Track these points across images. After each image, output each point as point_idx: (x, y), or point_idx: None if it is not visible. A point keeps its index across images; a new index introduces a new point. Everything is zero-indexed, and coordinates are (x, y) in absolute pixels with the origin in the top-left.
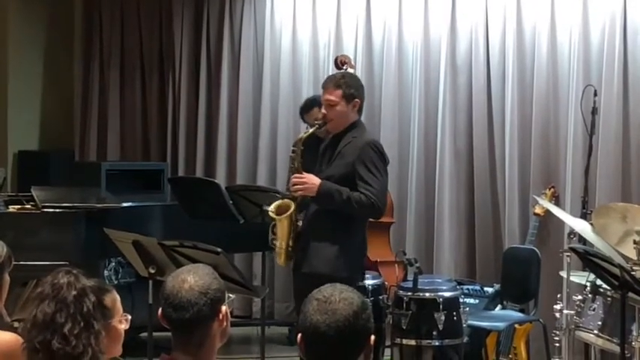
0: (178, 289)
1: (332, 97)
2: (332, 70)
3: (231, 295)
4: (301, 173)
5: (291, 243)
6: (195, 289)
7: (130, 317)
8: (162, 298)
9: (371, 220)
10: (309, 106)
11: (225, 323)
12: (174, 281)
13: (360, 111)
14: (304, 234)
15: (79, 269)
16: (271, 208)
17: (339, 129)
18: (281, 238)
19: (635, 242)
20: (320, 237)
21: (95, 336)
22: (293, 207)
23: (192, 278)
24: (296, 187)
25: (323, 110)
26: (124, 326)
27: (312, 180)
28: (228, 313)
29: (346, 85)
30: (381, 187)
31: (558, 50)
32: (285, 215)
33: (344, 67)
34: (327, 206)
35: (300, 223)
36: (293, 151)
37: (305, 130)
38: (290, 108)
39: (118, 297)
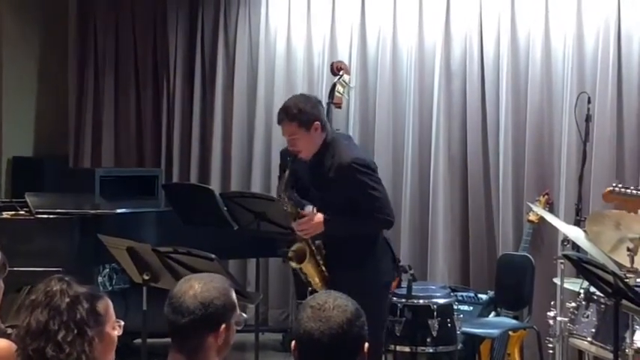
0: (183, 292)
1: (290, 131)
2: (327, 76)
3: (244, 314)
4: (301, 217)
5: (323, 269)
6: (198, 298)
7: (122, 323)
8: (168, 296)
9: None
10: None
11: (222, 340)
12: (184, 284)
13: (324, 128)
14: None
15: (71, 276)
16: (292, 262)
17: (311, 154)
18: (313, 277)
19: (628, 249)
20: (340, 259)
21: (89, 343)
22: (308, 251)
23: (199, 287)
24: (303, 232)
25: (289, 147)
26: (117, 332)
27: (316, 219)
28: (233, 332)
29: (299, 112)
30: (381, 199)
31: (552, 57)
32: (306, 261)
33: (340, 73)
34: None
35: (322, 248)
36: (279, 197)
37: (281, 178)
38: None
39: (110, 303)
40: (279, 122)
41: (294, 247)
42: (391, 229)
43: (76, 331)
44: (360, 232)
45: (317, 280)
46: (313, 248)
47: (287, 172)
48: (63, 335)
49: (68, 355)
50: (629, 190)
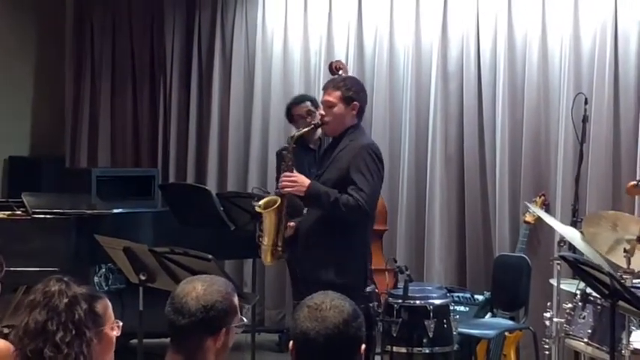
0: (185, 293)
1: (330, 98)
2: (324, 76)
3: (245, 319)
4: (292, 172)
5: (279, 242)
6: (199, 300)
7: (121, 324)
8: (170, 296)
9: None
10: (299, 99)
11: (221, 343)
12: (187, 285)
13: (360, 115)
14: (304, 241)
15: (70, 277)
16: (260, 203)
17: (336, 132)
18: (267, 234)
19: (625, 250)
20: (321, 245)
21: (87, 344)
22: (279, 201)
23: (202, 289)
24: (285, 184)
25: (321, 111)
26: (115, 333)
27: (302, 180)
28: (232, 335)
29: (346, 87)
30: (372, 191)
31: (549, 58)
32: (271, 209)
33: (339, 73)
34: (316, 207)
35: (289, 229)
36: (285, 149)
37: (298, 130)
38: (281, 115)
39: (109, 304)
40: (324, 88)
41: (270, 196)
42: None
43: (74, 332)
44: (336, 212)
45: (269, 240)
46: (284, 209)
47: (307, 128)
48: (61, 336)
49: (66, 356)
50: None
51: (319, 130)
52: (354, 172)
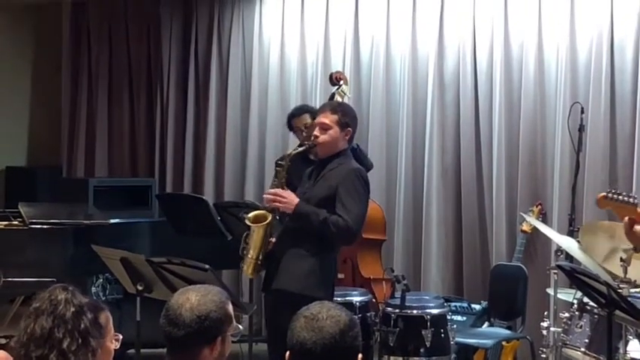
0: (179, 305)
1: (326, 121)
2: (320, 86)
3: (240, 326)
4: (283, 189)
5: (261, 256)
6: (194, 311)
7: (121, 337)
8: (164, 308)
9: (365, 236)
10: (299, 111)
11: (217, 352)
12: (180, 296)
13: (350, 141)
14: (276, 251)
15: (74, 287)
16: (249, 215)
17: (326, 154)
18: (253, 248)
19: (621, 260)
20: (292, 254)
21: (92, 353)
22: (270, 218)
23: (196, 299)
24: (274, 201)
25: (315, 132)
26: (114, 346)
27: (291, 198)
28: (228, 344)
29: (342, 112)
30: (359, 213)
31: (545, 67)
32: (261, 224)
33: (340, 83)
34: (304, 225)
35: (272, 240)
36: (279, 165)
37: (294, 148)
38: (278, 124)
39: (110, 316)
40: (320, 110)
41: (260, 210)
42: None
43: (80, 341)
44: (323, 231)
45: (253, 254)
46: (270, 227)
47: (302, 147)
48: (68, 344)
49: None
50: (620, 197)
51: None
52: (344, 193)
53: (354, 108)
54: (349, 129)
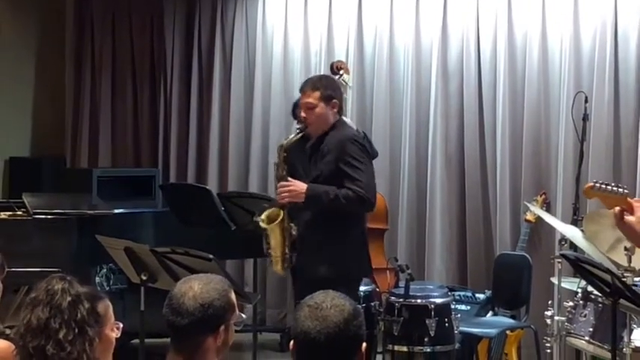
0: (182, 294)
1: (310, 100)
2: None
3: (243, 315)
4: (287, 180)
5: (287, 250)
6: (197, 299)
7: (121, 326)
8: (167, 297)
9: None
10: None
11: (221, 341)
12: (183, 285)
13: (340, 112)
14: (300, 240)
15: (72, 276)
16: (262, 217)
17: (320, 132)
18: (275, 247)
19: (626, 249)
20: (319, 241)
21: (89, 342)
22: (282, 214)
23: (198, 288)
24: (283, 194)
25: (302, 114)
26: (115, 335)
27: (299, 186)
28: (232, 332)
29: (323, 86)
30: (367, 178)
31: (549, 57)
32: (275, 223)
33: (340, 73)
34: (318, 208)
35: (294, 231)
36: (277, 159)
37: (285, 137)
38: (282, 114)
39: (110, 305)
40: (301, 90)
41: (270, 209)
42: (372, 210)
43: (77, 330)
44: (337, 206)
45: (278, 252)
46: (286, 221)
47: (296, 135)
48: (64, 334)
49: (69, 354)
50: (609, 187)
51: None
52: (344, 165)
53: (358, 98)
54: (334, 101)
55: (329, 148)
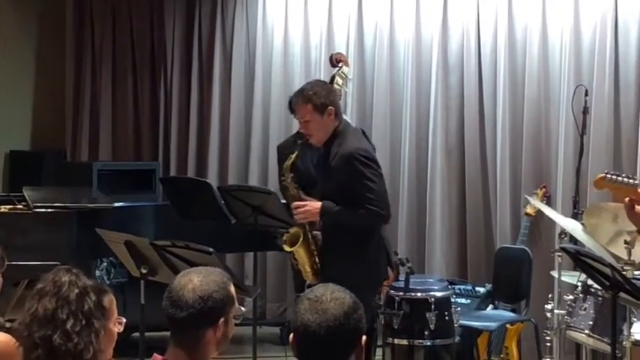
0: (182, 286)
1: (305, 117)
2: (324, 69)
3: (243, 307)
4: (301, 199)
5: (316, 260)
6: (197, 292)
7: (124, 321)
8: (167, 290)
9: None
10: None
11: (220, 333)
12: (182, 278)
13: (337, 116)
14: (325, 247)
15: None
16: (285, 243)
17: (322, 140)
18: (304, 264)
19: (626, 242)
20: (336, 251)
21: (95, 334)
22: (302, 235)
23: (198, 281)
24: (299, 215)
25: (302, 130)
26: (117, 329)
27: (313, 205)
28: (231, 325)
29: (315, 95)
30: (379, 192)
31: (549, 50)
32: (298, 245)
33: (339, 65)
34: (333, 224)
35: (319, 239)
36: (282, 180)
37: (289, 158)
38: (282, 108)
39: (114, 299)
40: (294, 105)
41: (291, 230)
42: (388, 222)
43: (83, 322)
44: (354, 223)
45: (308, 268)
46: (309, 235)
47: (295, 154)
48: (71, 324)
49: (76, 345)
50: (620, 178)
51: None
52: (355, 185)
53: (358, 91)
54: (330, 108)
55: (337, 166)
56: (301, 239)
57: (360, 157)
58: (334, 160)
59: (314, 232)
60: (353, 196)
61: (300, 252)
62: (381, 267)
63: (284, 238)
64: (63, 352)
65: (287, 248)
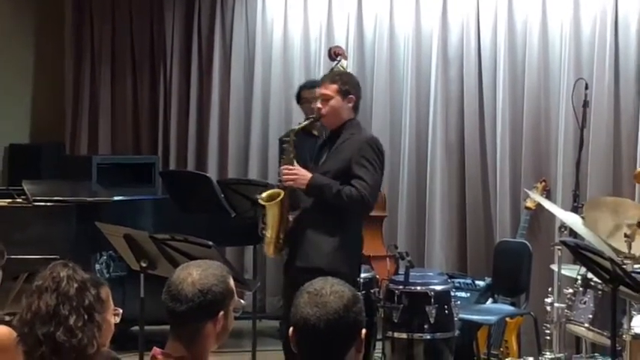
0: (181, 280)
1: (327, 91)
2: (324, 63)
3: (243, 301)
4: (293, 165)
5: (281, 235)
6: (196, 285)
7: (121, 311)
8: (166, 284)
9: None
10: (311, 85)
11: (220, 327)
12: (182, 272)
13: (355, 109)
14: (299, 227)
15: (74, 263)
16: (262, 195)
17: (333, 125)
18: (271, 228)
19: (626, 235)
20: (316, 231)
21: (98, 328)
22: (283, 194)
23: (197, 274)
24: (287, 177)
25: (317, 104)
26: (115, 320)
27: (303, 173)
28: (231, 318)
29: (342, 81)
30: (374, 183)
31: (549, 43)
32: (275, 201)
33: (338, 58)
34: (318, 198)
35: (291, 218)
36: (285, 142)
37: (299, 123)
38: (281, 102)
39: (109, 290)
40: (320, 82)
41: (271, 191)
42: (367, 214)
43: (86, 317)
44: (338, 203)
45: (270, 232)
46: (285, 204)
47: (308, 120)
48: (74, 320)
49: (80, 341)
50: None
51: None
52: (356, 164)
53: None
54: (351, 96)
55: (347, 148)
56: (279, 198)
57: (375, 145)
58: (344, 143)
59: (289, 213)
60: (349, 177)
61: (273, 210)
62: (355, 260)
63: (263, 194)
64: (67, 348)
65: (262, 201)
